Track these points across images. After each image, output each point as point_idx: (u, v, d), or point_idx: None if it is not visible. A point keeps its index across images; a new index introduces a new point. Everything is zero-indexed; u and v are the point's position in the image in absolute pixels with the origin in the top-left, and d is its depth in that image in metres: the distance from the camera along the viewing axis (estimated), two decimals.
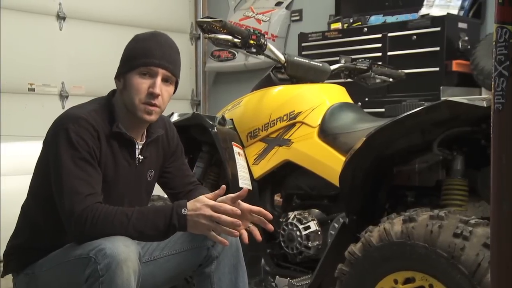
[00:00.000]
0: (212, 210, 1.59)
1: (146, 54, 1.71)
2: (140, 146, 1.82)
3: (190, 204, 1.61)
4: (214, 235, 1.62)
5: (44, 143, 1.74)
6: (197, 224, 1.60)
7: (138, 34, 1.80)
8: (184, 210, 1.59)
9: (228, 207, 1.60)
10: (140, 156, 1.81)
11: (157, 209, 1.64)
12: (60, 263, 1.66)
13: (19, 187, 2.23)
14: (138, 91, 1.71)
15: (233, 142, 2.35)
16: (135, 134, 1.79)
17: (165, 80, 1.74)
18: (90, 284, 1.54)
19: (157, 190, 3.02)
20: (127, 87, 1.73)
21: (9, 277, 1.86)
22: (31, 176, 1.82)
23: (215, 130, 2.34)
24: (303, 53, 4.05)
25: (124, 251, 1.53)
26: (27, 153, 2.96)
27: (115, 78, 1.78)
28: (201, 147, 2.57)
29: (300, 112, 2.25)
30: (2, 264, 1.86)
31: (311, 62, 2.40)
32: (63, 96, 4.24)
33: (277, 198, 2.46)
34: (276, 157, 2.30)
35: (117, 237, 1.57)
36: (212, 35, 2.25)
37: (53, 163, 1.65)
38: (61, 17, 4.23)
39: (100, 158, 1.69)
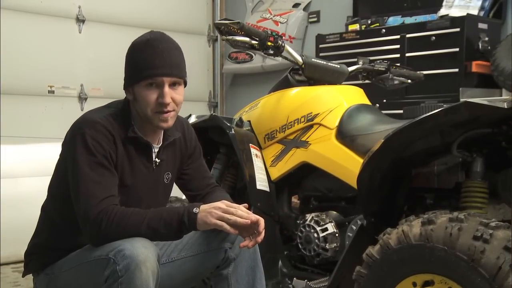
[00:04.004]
0: (222, 211, 1.61)
1: (147, 66, 1.69)
2: (157, 150, 1.83)
3: (204, 206, 1.64)
4: (218, 224, 1.62)
5: (63, 146, 1.77)
6: (206, 222, 1.60)
7: (134, 42, 1.75)
8: (196, 209, 1.62)
9: (240, 212, 1.62)
10: (157, 159, 1.83)
11: (171, 208, 1.65)
12: (79, 264, 1.68)
13: (38, 188, 2.26)
14: (148, 103, 1.70)
15: (250, 144, 2.35)
16: (152, 137, 1.80)
17: (172, 84, 1.72)
18: (109, 285, 1.56)
19: (175, 192, 3.03)
20: (137, 98, 1.73)
21: (30, 277, 1.88)
22: (50, 177, 1.84)
23: (233, 132, 2.34)
24: (321, 54, 4.04)
25: (143, 252, 1.54)
26: (46, 155, 3.00)
27: (124, 89, 1.77)
28: (218, 149, 2.58)
29: (318, 113, 2.25)
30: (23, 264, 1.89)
31: (329, 64, 2.39)
32: (82, 98, 4.28)
33: (295, 200, 2.46)
34: (294, 159, 2.29)
35: (136, 238, 1.58)
36: (230, 37, 2.25)
37: (70, 168, 1.67)
38: (80, 20, 4.27)
39: (116, 161, 1.70)
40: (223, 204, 1.64)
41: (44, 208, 1.85)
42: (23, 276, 1.89)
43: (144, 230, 1.60)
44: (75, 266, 1.70)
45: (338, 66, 2.41)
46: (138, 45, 1.73)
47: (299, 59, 2.34)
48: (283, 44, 2.29)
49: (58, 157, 1.81)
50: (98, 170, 1.64)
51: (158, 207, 1.73)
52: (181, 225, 1.61)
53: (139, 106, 1.73)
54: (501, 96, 3.37)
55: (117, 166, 1.71)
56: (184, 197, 2.95)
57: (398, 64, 2.76)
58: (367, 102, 2.39)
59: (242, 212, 1.63)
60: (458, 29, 3.38)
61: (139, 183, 1.78)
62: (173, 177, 1.92)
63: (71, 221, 1.69)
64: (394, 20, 3.94)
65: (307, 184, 2.37)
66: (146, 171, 1.80)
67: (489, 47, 3.41)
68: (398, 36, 3.65)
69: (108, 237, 1.60)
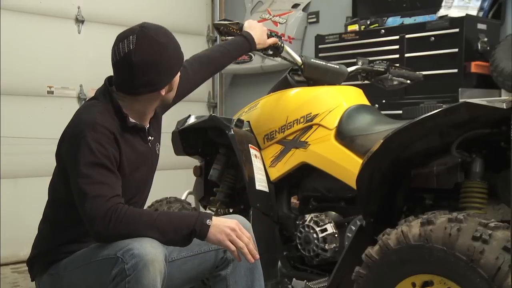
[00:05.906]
0: (235, 235, 1.65)
1: (180, 53, 1.83)
2: (147, 129, 1.87)
3: (216, 220, 1.66)
4: (230, 246, 1.67)
5: (60, 147, 1.76)
6: (219, 240, 1.65)
7: (159, 37, 1.77)
8: (209, 221, 1.64)
9: (251, 246, 1.68)
10: (150, 137, 1.88)
11: (183, 215, 1.68)
12: (86, 263, 1.68)
13: (38, 188, 2.26)
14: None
15: (250, 144, 2.36)
16: (145, 120, 1.86)
17: None
18: (116, 284, 1.56)
19: (174, 192, 3.04)
20: (173, 87, 1.84)
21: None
22: (50, 178, 1.84)
23: (232, 132, 2.34)
24: (320, 55, 4.04)
25: (152, 252, 1.55)
26: (46, 155, 3.00)
27: (160, 89, 1.78)
28: (218, 150, 2.58)
29: (317, 114, 2.25)
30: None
31: (328, 64, 2.39)
32: (81, 99, 4.27)
33: (294, 200, 2.46)
34: (293, 159, 2.29)
35: (144, 238, 1.59)
36: (230, 38, 2.26)
37: (74, 170, 1.66)
38: (79, 21, 4.27)
39: (121, 157, 1.72)
40: (237, 226, 1.67)
41: (48, 217, 1.83)
42: (32, 280, 1.86)
43: (153, 232, 1.61)
44: (81, 266, 1.70)
45: (338, 67, 2.41)
46: (169, 35, 1.81)
47: (299, 59, 2.34)
48: (282, 45, 2.29)
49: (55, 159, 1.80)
50: (102, 172, 1.65)
51: (150, 184, 1.88)
52: (191, 234, 1.63)
53: (171, 94, 1.85)
54: (500, 96, 3.37)
55: (122, 161, 1.72)
56: (183, 197, 2.96)
57: (398, 65, 2.76)
58: (367, 102, 2.39)
59: (252, 247, 1.68)
60: (457, 30, 3.38)
61: (143, 166, 1.84)
62: (159, 145, 1.97)
63: (76, 224, 1.69)
64: (393, 21, 3.94)
65: (306, 184, 2.37)
66: (145, 151, 1.85)
67: (488, 48, 3.41)
68: (397, 37, 3.65)
69: (116, 235, 1.60)
